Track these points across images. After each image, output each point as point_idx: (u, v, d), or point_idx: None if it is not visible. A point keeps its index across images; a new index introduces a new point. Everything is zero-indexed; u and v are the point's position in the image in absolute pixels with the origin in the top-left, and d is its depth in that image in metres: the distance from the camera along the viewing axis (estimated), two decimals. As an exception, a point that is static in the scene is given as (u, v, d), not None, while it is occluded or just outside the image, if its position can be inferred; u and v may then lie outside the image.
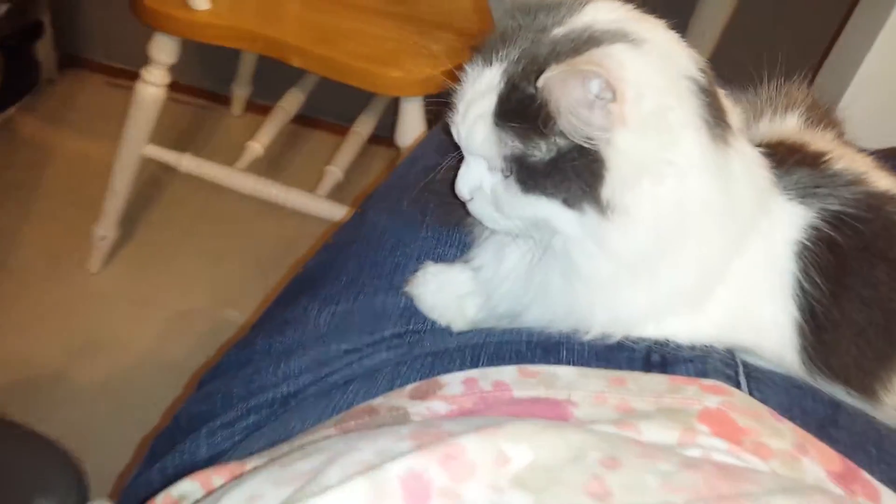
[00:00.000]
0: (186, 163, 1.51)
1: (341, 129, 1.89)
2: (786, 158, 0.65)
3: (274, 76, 1.83)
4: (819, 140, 0.71)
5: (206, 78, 2.01)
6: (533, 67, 0.55)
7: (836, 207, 0.61)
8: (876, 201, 0.62)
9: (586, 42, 0.56)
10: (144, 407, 1.44)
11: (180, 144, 1.52)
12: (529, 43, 0.57)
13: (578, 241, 0.58)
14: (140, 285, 1.64)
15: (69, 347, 1.51)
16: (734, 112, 0.62)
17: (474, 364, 0.60)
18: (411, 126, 1.38)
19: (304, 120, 1.96)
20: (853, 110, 0.84)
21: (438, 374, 0.59)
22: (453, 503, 0.39)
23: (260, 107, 1.98)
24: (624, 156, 0.54)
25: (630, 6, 0.61)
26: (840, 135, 0.77)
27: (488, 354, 0.61)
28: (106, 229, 1.59)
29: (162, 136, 1.49)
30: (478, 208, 0.63)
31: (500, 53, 0.57)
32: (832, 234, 0.60)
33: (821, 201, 0.62)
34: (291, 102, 1.75)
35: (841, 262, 0.60)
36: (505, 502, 0.39)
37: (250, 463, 0.51)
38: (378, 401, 0.58)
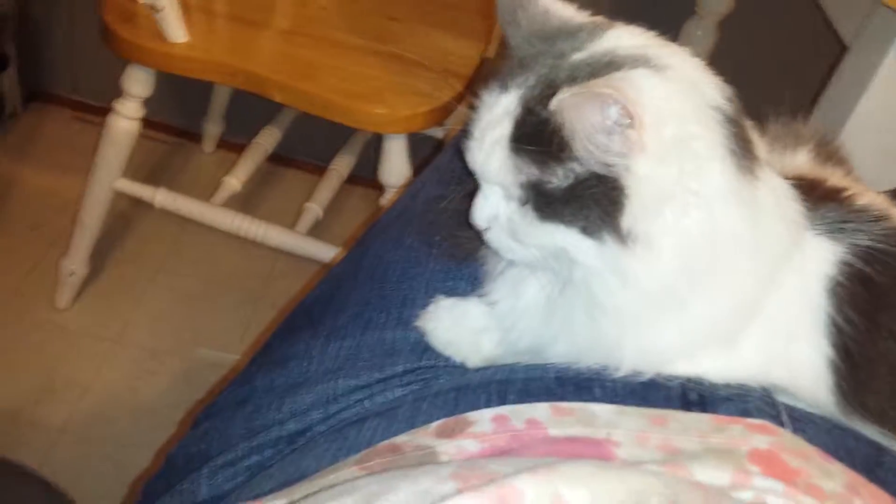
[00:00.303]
0: (161, 197, 1.46)
1: (317, 168, 1.86)
2: (809, 193, 0.64)
3: (247, 114, 1.80)
4: (833, 177, 0.71)
5: (176, 114, 1.97)
6: (549, 92, 0.53)
7: (867, 242, 0.60)
8: (904, 237, 0.62)
9: (606, 67, 0.54)
10: (116, 449, 1.37)
11: (150, 180, 1.47)
12: (548, 69, 0.56)
13: (598, 272, 0.55)
14: (110, 323, 1.57)
15: (34, 386, 1.44)
16: (761, 144, 0.61)
17: (502, 401, 0.57)
18: (396, 164, 1.36)
19: (278, 159, 1.93)
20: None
21: (464, 411, 0.56)
22: None
23: (232, 144, 1.94)
24: (644, 183, 0.52)
25: (653, 33, 0.60)
26: (848, 172, 0.77)
27: (516, 391, 0.58)
28: (75, 264, 1.52)
29: (131, 171, 1.45)
30: (495, 238, 0.60)
31: (518, 79, 0.56)
32: (865, 269, 0.59)
33: (850, 236, 0.61)
34: (268, 139, 1.72)
35: (875, 298, 0.59)
36: None
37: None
38: (401, 439, 0.54)
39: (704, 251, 0.54)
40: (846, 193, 0.65)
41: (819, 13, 1.16)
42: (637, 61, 0.54)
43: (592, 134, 0.51)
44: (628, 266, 0.54)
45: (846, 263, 0.60)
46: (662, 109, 0.52)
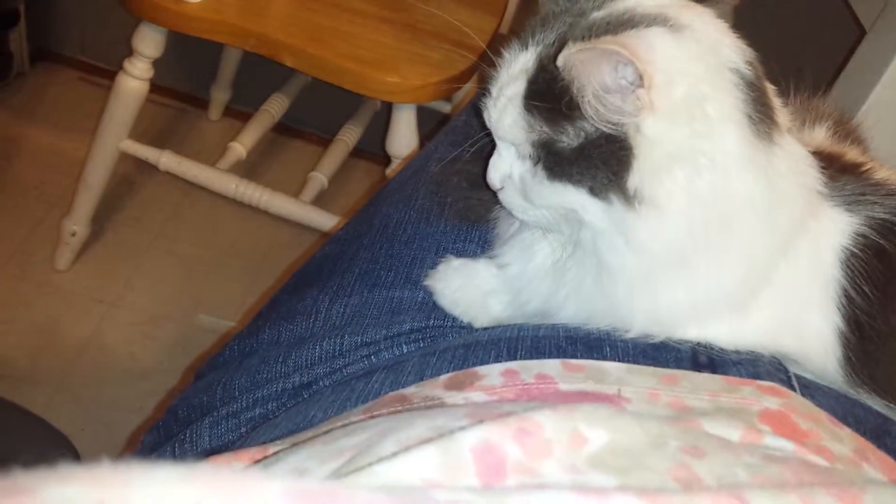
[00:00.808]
0: (166, 160, 1.45)
1: (323, 140, 1.85)
2: (828, 165, 0.63)
3: (254, 83, 1.79)
4: (851, 152, 0.70)
5: (183, 79, 1.95)
6: (563, 48, 0.53)
7: (883, 216, 0.60)
8: (921, 212, 0.61)
9: (622, 25, 0.54)
10: (109, 411, 1.37)
11: (155, 145, 1.46)
12: (566, 26, 0.55)
13: (606, 234, 0.55)
14: (109, 285, 1.56)
15: (31, 345, 1.43)
16: (782, 110, 0.61)
17: (511, 357, 0.57)
18: (404, 134, 1.35)
19: (284, 129, 1.92)
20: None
21: (473, 365, 0.55)
22: (530, 480, 0.35)
23: (238, 113, 1.93)
24: (653, 144, 0.52)
25: None
26: (865, 151, 0.76)
27: (526, 347, 0.58)
28: (77, 224, 1.51)
29: (136, 135, 1.43)
30: (507, 197, 0.61)
31: (538, 37, 0.56)
32: (880, 241, 0.59)
33: (867, 209, 0.61)
34: (276, 106, 1.71)
35: (889, 271, 0.58)
36: (586, 482, 0.35)
37: (273, 448, 0.46)
38: (410, 390, 0.54)
39: (714, 214, 0.54)
40: (864, 167, 0.65)
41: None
42: (654, 20, 0.54)
43: (600, 92, 0.50)
44: (634, 227, 0.54)
45: (861, 235, 0.59)
46: (674, 69, 0.51)
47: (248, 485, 0.22)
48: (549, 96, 0.53)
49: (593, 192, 0.54)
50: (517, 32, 0.60)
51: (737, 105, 0.54)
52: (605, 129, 0.52)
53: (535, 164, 0.56)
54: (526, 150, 0.56)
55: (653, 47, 0.51)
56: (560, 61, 0.51)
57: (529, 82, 0.54)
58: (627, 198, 0.53)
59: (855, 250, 0.59)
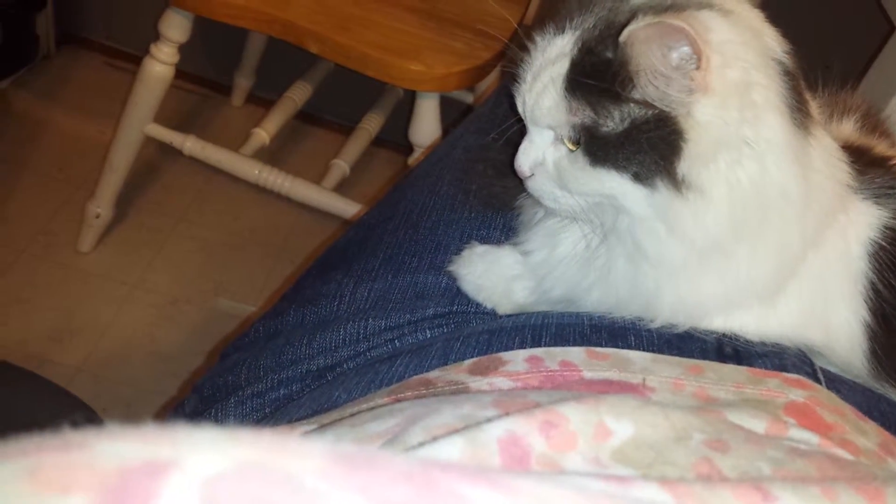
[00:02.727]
0: (190, 145, 1.46)
1: (345, 129, 1.86)
2: (857, 159, 0.63)
3: (277, 70, 1.79)
4: (879, 146, 0.70)
5: (208, 66, 1.96)
6: (610, 31, 0.52)
7: None
8: (949, 206, 0.60)
9: (668, 9, 0.53)
10: (129, 391, 1.38)
11: (178, 130, 1.47)
12: (607, 11, 0.55)
13: (646, 221, 0.55)
14: (131, 268, 1.57)
15: (54, 325, 1.45)
16: (814, 103, 0.60)
17: (536, 343, 0.57)
18: (427, 123, 1.35)
19: (307, 117, 1.92)
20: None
21: (497, 351, 0.55)
22: (553, 471, 0.35)
23: (261, 100, 1.94)
24: (703, 128, 0.51)
25: None
26: (893, 144, 0.76)
27: (550, 334, 0.58)
28: (101, 207, 1.52)
29: (161, 120, 1.44)
30: (539, 185, 0.60)
31: (575, 21, 0.55)
32: None
33: (895, 202, 0.60)
34: (300, 93, 1.71)
35: (917, 265, 0.58)
36: (609, 475, 0.35)
37: (299, 428, 0.47)
38: (434, 374, 0.54)
39: (754, 204, 0.54)
40: (893, 161, 0.64)
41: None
42: (702, 5, 0.53)
43: (659, 69, 0.50)
44: (679, 214, 0.53)
45: (890, 228, 0.59)
46: (729, 52, 0.51)
47: (291, 447, 0.22)
48: (598, 78, 0.52)
49: (638, 177, 0.53)
50: (543, 22, 0.60)
51: (781, 93, 0.54)
52: (657, 111, 0.51)
53: (574, 150, 0.55)
54: (566, 132, 0.55)
55: (711, 29, 0.50)
56: (624, 36, 0.50)
57: (573, 65, 0.54)
58: (675, 184, 0.52)
59: (883, 243, 0.59)
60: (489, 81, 1.48)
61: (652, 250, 0.56)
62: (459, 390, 0.51)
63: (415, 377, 0.54)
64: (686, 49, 0.49)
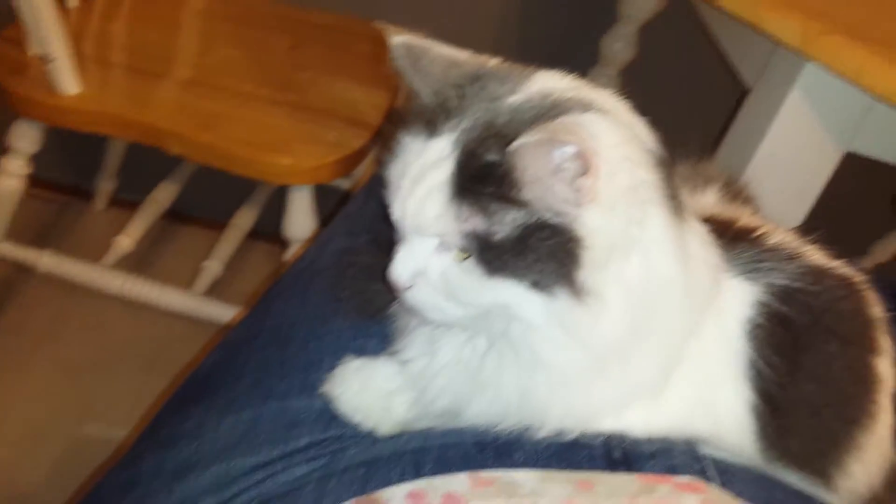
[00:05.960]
0: (46, 261, 1.37)
1: (217, 225, 1.78)
2: (722, 234, 0.63)
3: (142, 169, 1.71)
4: (743, 215, 0.70)
5: (67, 171, 1.86)
6: (491, 133, 0.50)
7: (783, 282, 0.59)
8: (818, 275, 0.61)
9: (550, 109, 0.51)
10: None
11: (36, 243, 1.37)
12: (483, 111, 0.52)
13: (543, 329, 0.52)
14: (-15, 401, 1.43)
15: None
16: (683, 187, 0.60)
17: (417, 473, 0.52)
18: (301, 217, 1.31)
19: (175, 216, 1.84)
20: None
21: (375, 488, 0.50)
22: None
23: (126, 202, 1.84)
24: (596, 234, 0.50)
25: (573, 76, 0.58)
26: (755, 211, 0.77)
27: (432, 460, 0.53)
28: (-52, 337, 1.39)
29: (16, 233, 1.34)
30: (420, 296, 0.55)
31: (449, 123, 0.52)
32: (783, 309, 0.58)
33: (766, 276, 0.60)
34: (164, 194, 1.64)
35: (794, 339, 0.58)
36: None
37: None
38: (307, 528, 0.48)
39: (644, 301, 0.52)
40: (757, 232, 0.65)
41: (720, 58, 1.19)
42: (580, 105, 0.52)
43: (547, 180, 0.48)
44: (579, 320, 0.51)
45: (764, 304, 0.59)
46: (614, 158, 0.50)
47: None
48: (484, 184, 0.49)
49: (537, 285, 0.50)
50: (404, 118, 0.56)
51: (659, 187, 0.53)
52: (547, 219, 0.49)
53: (465, 258, 0.52)
54: (456, 241, 0.52)
55: (595, 136, 0.49)
56: (513, 148, 0.47)
57: (458, 170, 0.50)
58: (575, 290, 0.50)
59: (759, 320, 0.58)
60: (366, 166, 1.45)
61: (549, 358, 0.53)
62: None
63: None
64: (577, 164, 0.47)
